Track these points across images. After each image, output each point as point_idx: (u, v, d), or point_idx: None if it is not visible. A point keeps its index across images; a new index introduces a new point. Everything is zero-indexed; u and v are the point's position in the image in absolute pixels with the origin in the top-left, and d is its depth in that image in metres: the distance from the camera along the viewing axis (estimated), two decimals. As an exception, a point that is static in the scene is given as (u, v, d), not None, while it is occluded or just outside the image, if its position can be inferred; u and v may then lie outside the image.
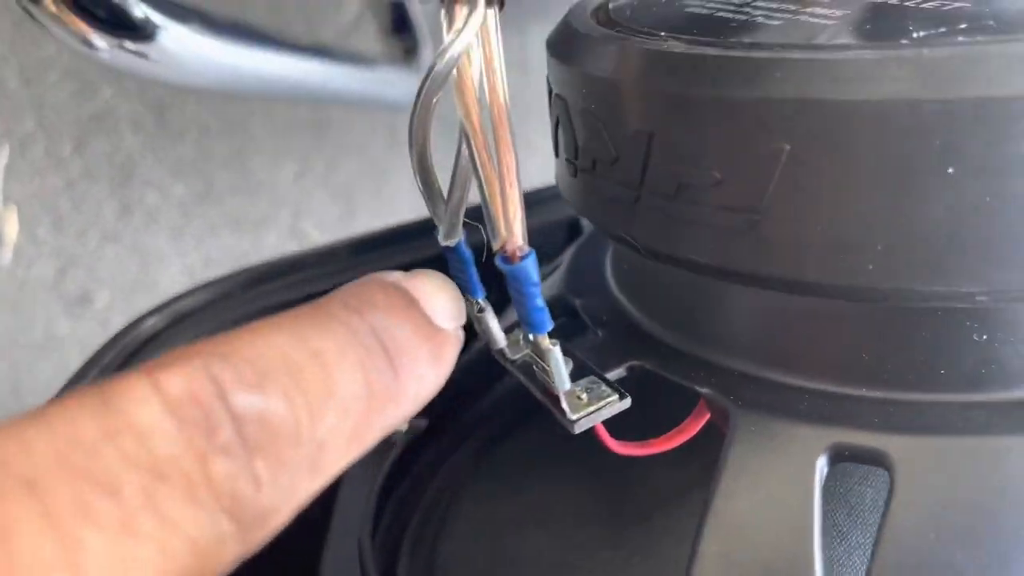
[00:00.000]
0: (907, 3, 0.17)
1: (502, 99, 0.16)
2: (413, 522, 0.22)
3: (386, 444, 0.23)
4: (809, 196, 0.15)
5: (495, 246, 0.16)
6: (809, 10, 0.17)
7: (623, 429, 0.18)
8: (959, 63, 0.13)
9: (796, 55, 0.14)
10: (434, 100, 0.16)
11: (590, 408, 0.17)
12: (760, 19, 0.17)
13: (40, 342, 0.71)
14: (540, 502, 0.22)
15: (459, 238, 0.17)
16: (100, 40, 0.25)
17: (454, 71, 0.15)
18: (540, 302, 0.16)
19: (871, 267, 0.15)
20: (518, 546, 0.21)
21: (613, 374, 0.18)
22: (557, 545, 0.20)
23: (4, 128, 0.65)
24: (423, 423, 0.24)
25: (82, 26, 0.25)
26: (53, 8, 0.24)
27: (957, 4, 0.16)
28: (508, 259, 0.16)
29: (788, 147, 0.14)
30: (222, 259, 0.73)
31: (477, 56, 0.15)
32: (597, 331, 0.20)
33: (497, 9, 0.16)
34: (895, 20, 0.16)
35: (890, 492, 0.15)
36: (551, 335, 0.17)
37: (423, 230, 0.31)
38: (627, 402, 0.17)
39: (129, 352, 0.24)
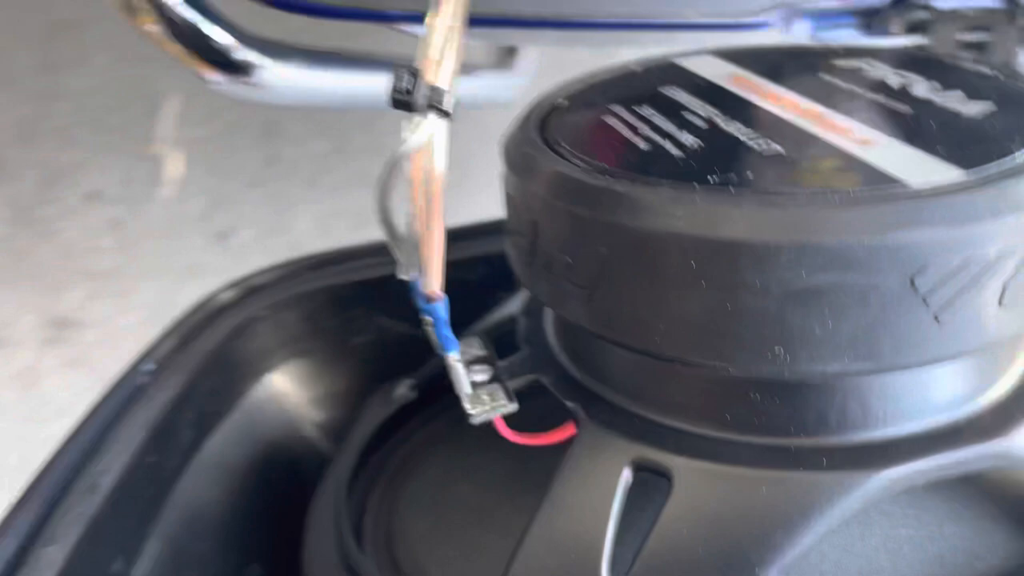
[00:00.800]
0: (745, 140, 0.22)
1: (438, 185, 0.23)
2: (382, 480, 0.29)
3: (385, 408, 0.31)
4: (619, 285, 0.21)
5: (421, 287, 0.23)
6: (674, 139, 0.23)
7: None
8: (714, 210, 0.19)
9: (617, 187, 0.20)
10: (391, 174, 0.23)
11: (488, 408, 0.24)
12: (643, 144, 0.23)
13: (186, 269, 0.83)
14: (483, 463, 0.29)
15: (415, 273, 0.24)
16: (211, 75, 0.34)
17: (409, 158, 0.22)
18: (447, 332, 0.23)
19: (658, 339, 0.21)
20: (452, 496, 0.28)
21: (516, 383, 0.25)
22: (484, 495, 0.28)
23: (176, 83, 0.76)
24: (413, 394, 0.31)
25: (195, 64, 0.33)
26: (173, 50, 0.32)
27: (774, 148, 0.22)
28: (426, 300, 0.23)
29: (605, 251, 0.21)
30: (348, 210, 0.83)
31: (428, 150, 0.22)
32: (524, 350, 0.27)
33: (446, 120, 0.23)
34: (718, 158, 0.21)
35: (667, 497, 0.21)
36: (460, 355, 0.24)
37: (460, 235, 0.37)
38: (514, 406, 0.24)
39: (206, 317, 0.32)
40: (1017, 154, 0.20)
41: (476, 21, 0.33)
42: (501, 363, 0.27)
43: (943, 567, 0.23)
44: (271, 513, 0.31)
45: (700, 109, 0.25)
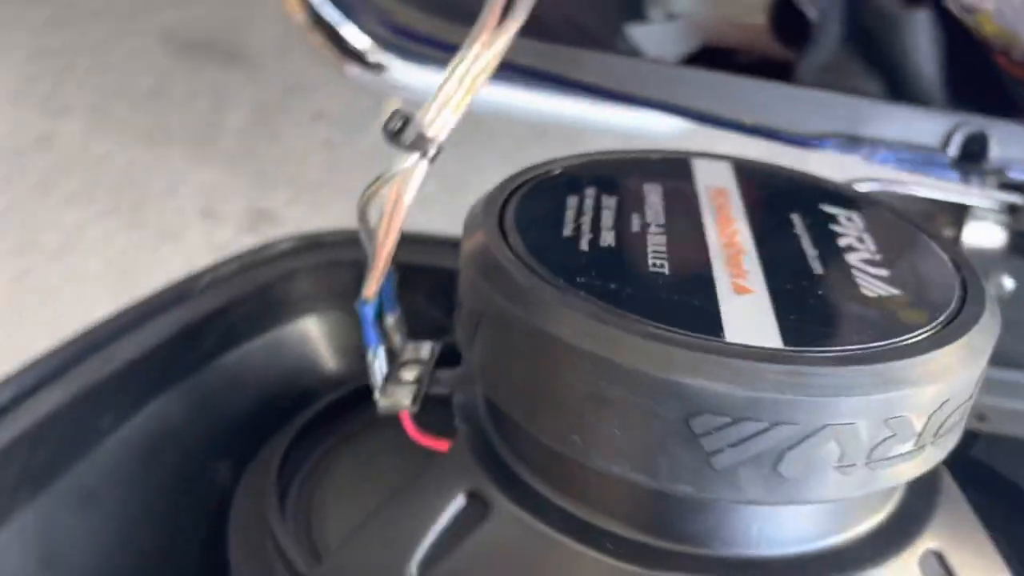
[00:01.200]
0: (650, 255, 0.25)
1: (399, 212, 0.27)
2: (313, 457, 0.34)
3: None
4: (484, 343, 0.25)
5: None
6: (597, 234, 0.26)
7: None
8: (558, 309, 0.23)
9: (510, 272, 0.24)
10: (370, 193, 0.28)
11: (391, 402, 0.29)
12: (568, 231, 0.26)
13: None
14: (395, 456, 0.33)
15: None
16: (347, 69, 0.40)
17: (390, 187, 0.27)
18: (370, 330, 0.28)
19: (503, 395, 0.24)
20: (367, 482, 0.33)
21: (433, 390, 0.30)
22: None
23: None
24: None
25: (333, 57, 0.39)
26: (314, 41, 0.39)
27: (663, 271, 0.24)
28: (363, 302, 0.28)
29: (481, 318, 0.24)
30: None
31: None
32: (463, 367, 0.31)
33: (427, 163, 0.28)
34: (616, 264, 0.24)
35: (480, 524, 0.25)
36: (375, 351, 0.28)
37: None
38: (415, 408, 0.29)
39: (267, 256, 0.39)
40: (853, 348, 0.22)
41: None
42: (443, 373, 0.31)
43: None
44: (262, 425, 0.37)
45: (651, 212, 0.28)
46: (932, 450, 0.23)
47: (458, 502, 0.26)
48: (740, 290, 0.24)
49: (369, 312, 0.28)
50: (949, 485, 0.28)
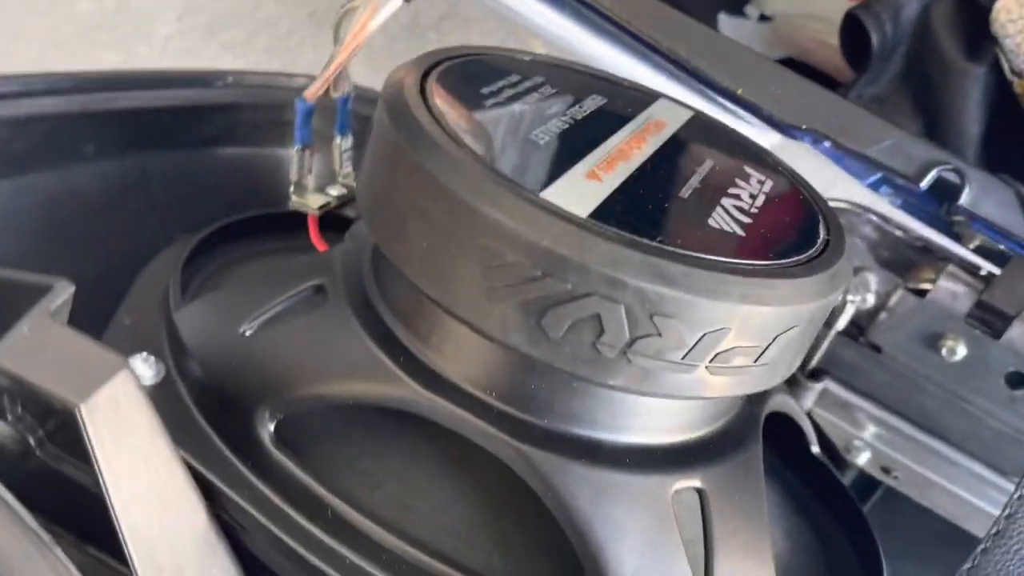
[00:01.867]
0: (554, 135, 0.27)
1: (363, 30, 0.30)
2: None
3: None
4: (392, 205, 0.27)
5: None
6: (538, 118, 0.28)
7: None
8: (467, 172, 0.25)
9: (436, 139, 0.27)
10: (345, 10, 0.31)
11: (302, 202, 0.32)
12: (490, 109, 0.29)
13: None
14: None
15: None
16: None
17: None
18: (301, 128, 0.31)
19: (400, 254, 0.27)
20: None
21: (347, 209, 0.32)
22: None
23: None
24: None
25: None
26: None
27: (558, 151, 0.26)
28: (301, 99, 0.31)
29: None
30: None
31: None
32: None
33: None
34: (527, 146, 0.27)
35: (312, 310, 0.28)
36: (304, 149, 0.31)
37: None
38: (317, 212, 0.32)
39: (273, 85, 0.43)
40: (647, 240, 0.23)
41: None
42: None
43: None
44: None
45: (578, 110, 0.30)
46: (704, 375, 0.24)
47: (301, 288, 0.29)
48: (591, 176, 0.26)
49: (303, 109, 0.31)
50: (754, 447, 0.28)
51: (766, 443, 0.36)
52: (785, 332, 0.25)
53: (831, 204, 0.32)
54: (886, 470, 0.41)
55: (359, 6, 0.30)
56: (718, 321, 0.23)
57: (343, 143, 0.33)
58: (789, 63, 0.52)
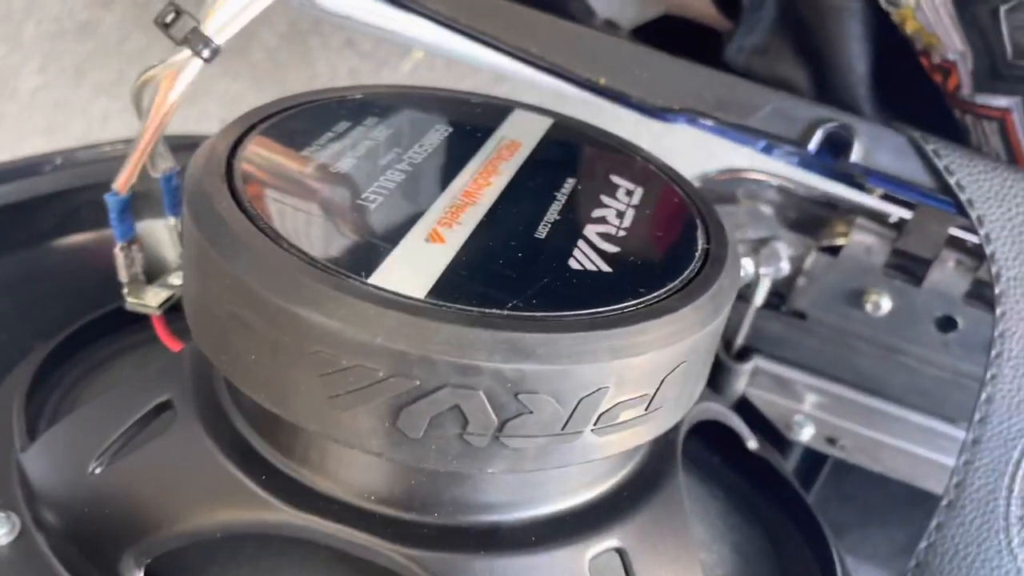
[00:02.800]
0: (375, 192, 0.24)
1: (162, 108, 0.27)
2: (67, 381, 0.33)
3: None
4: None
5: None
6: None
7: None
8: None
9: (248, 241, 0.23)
10: (142, 86, 0.27)
11: (139, 302, 0.28)
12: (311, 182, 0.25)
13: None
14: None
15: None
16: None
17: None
18: (117, 223, 0.27)
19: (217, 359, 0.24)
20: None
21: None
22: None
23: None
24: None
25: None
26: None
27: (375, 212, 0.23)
28: (112, 193, 0.27)
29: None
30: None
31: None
32: None
33: (201, 61, 0.27)
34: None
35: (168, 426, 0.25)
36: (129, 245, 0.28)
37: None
38: (158, 312, 0.28)
39: (106, 157, 0.39)
40: (494, 311, 0.20)
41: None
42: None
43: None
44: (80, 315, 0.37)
45: (417, 150, 0.27)
46: (592, 439, 0.22)
47: (148, 409, 0.26)
48: (433, 238, 0.23)
49: (115, 203, 0.27)
50: (673, 483, 0.26)
51: (703, 447, 0.34)
52: (672, 372, 0.22)
53: (725, 174, 0.30)
54: (831, 441, 0.39)
55: (156, 75, 0.27)
56: (592, 384, 0.21)
57: (177, 224, 0.30)
58: (666, 20, 0.50)
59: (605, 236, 0.24)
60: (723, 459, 0.34)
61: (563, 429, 0.21)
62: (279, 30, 1.06)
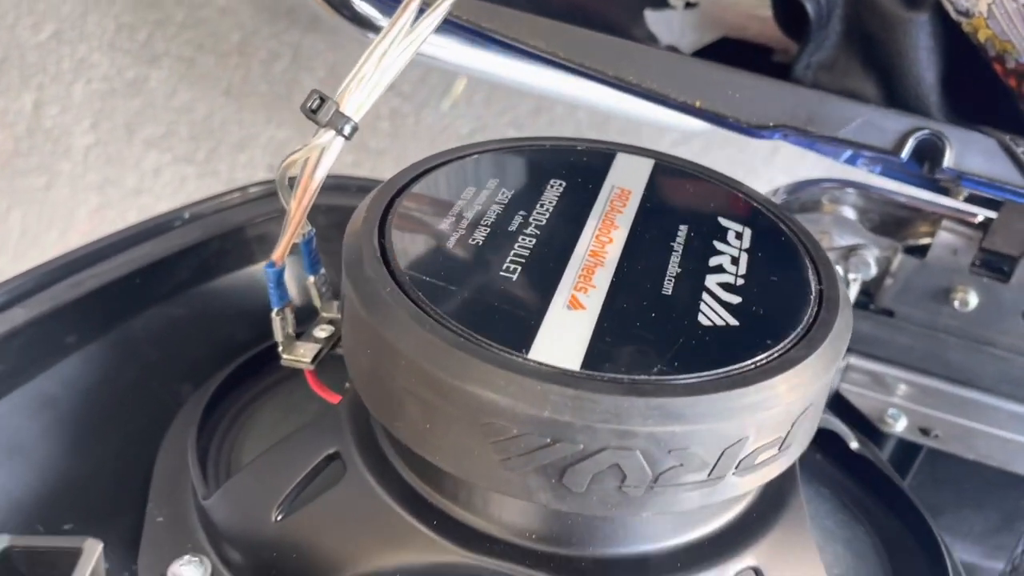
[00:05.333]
0: (510, 255, 0.26)
1: (308, 184, 0.29)
2: (231, 415, 0.37)
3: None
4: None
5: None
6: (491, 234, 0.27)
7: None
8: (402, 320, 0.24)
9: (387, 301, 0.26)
10: (286, 165, 0.30)
11: (295, 359, 0.31)
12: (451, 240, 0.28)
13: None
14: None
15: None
16: (333, 19, 0.41)
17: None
18: (274, 291, 0.30)
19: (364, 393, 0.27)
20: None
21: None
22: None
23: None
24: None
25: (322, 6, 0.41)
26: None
27: (514, 277, 0.26)
28: (269, 264, 0.30)
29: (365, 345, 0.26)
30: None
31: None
32: None
33: (343, 139, 0.29)
34: (478, 259, 0.26)
35: (336, 482, 0.28)
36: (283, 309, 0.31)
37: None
38: (311, 366, 0.31)
39: (245, 202, 0.42)
40: (642, 377, 0.23)
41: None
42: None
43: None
44: (225, 356, 0.40)
45: (540, 210, 0.29)
46: (732, 480, 0.24)
47: (319, 461, 0.29)
48: (574, 305, 0.25)
49: (273, 275, 0.30)
50: (795, 500, 0.29)
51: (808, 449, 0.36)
52: (801, 415, 0.24)
53: (807, 184, 0.32)
54: (925, 431, 0.41)
55: (299, 157, 0.29)
56: (734, 435, 0.23)
57: (316, 280, 0.33)
58: (725, 43, 0.51)
59: (725, 286, 0.27)
60: (826, 458, 0.37)
61: (709, 476, 0.23)
62: (319, 75, 1.08)
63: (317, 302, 0.34)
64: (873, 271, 0.40)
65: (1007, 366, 0.40)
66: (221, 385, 0.36)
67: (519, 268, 0.26)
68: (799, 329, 0.25)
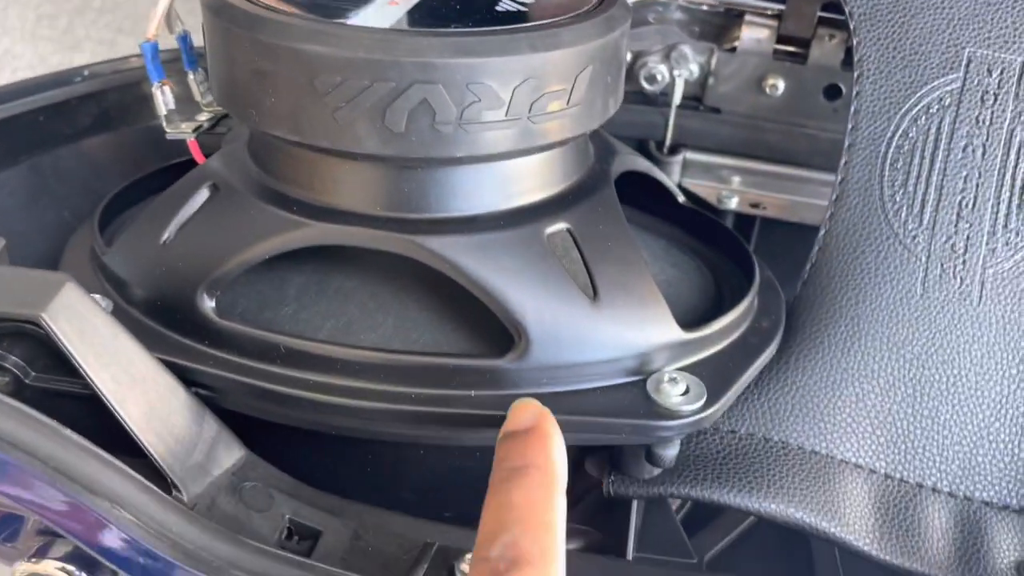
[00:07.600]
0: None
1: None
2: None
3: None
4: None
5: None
6: None
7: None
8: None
9: None
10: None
11: (179, 131, 0.36)
12: None
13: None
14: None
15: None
16: None
17: None
18: (151, 65, 0.35)
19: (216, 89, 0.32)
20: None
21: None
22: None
23: None
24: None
25: None
26: None
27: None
28: (145, 41, 0.35)
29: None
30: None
31: None
32: None
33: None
34: None
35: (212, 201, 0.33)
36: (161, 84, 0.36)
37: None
38: (192, 136, 0.36)
39: (129, 67, 0.46)
40: (444, 30, 0.28)
41: None
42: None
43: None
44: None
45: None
46: (529, 126, 0.29)
47: (199, 192, 0.33)
48: (392, 3, 0.30)
49: (148, 48, 0.35)
50: (608, 189, 0.34)
51: (642, 207, 0.41)
52: (583, 71, 0.30)
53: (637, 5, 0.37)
54: (755, 205, 0.47)
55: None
56: (520, 72, 0.28)
57: (196, 76, 0.38)
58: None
59: (522, -5, 0.32)
60: (656, 217, 0.42)
61: (506, 115, 0.29)
62: None
63: (197, 96, 0.38)
64: (696, 69, 0.46)
65: (816, 142, 0.46)
66: (117, 194, 0.40)
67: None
68: (580, 13, 0.31)
